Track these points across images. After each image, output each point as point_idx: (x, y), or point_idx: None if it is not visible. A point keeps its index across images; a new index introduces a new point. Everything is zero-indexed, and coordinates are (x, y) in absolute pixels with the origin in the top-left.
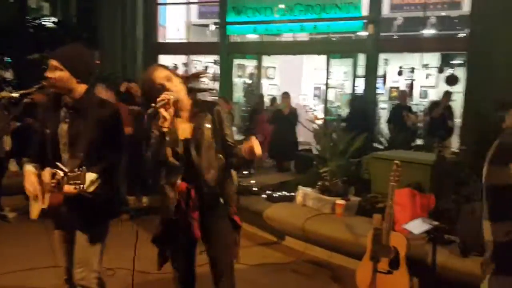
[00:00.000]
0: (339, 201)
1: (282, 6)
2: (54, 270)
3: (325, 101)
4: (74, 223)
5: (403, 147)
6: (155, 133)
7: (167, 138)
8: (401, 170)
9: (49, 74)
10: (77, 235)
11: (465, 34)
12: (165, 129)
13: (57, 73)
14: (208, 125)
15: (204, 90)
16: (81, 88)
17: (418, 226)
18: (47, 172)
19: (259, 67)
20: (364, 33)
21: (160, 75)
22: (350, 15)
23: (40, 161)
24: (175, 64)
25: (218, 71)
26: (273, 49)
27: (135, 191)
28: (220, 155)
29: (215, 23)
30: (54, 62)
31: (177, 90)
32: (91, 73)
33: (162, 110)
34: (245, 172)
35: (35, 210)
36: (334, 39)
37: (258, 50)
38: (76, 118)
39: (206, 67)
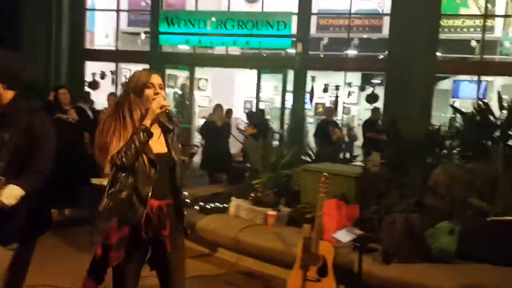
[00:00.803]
0: (271, 212)
1: (214, 19)
2: None
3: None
4: None
5: (329, 160)
6: (140, 137)
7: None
8: (329, 182)
9: None
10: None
11: (384, 56)
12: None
13: None
14: (176, 142)
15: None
16: (8, 94)
17: (345, 235)
18: None
19: (191, 78)
20: (293, 51)
21: (157, 81)
22: (281, 33)
23: None
24: (103, 72)
25: None
26: (206, 61)
27: (58, 204)
28: None
29: (146, 32)
30: None
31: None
32: (18, 79)
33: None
34: None
35: None
36: (265, 55)
37: (190, 61)
38: (1, 125)
39: None
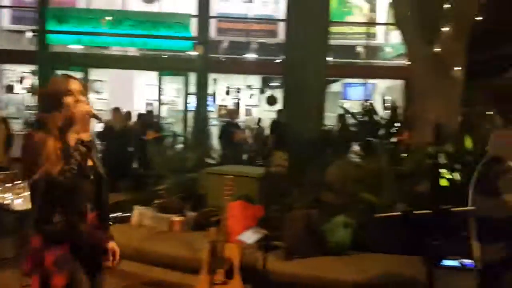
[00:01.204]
0: (176, 218)
1: (109, 18)
2: None
3: (158, 117)
4: None
5: (234, 162)
6: (80, 150)
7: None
8: (233, 184)
9: None
10: None
11: (280, 60)
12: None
13: None
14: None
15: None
16: None
17: (250, 236)
18: None
19: (85, 80)
20: (194, 53)
21: (76, 87)
22: (180, 35)
23: None
24: None
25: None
26: (101, 62)
27: None
28: None
29: (33, 30)
30: None
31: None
32: None
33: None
34: None
35: None
36: (165, 56)
37: (84, 62)
38: None
39: (22, 78)
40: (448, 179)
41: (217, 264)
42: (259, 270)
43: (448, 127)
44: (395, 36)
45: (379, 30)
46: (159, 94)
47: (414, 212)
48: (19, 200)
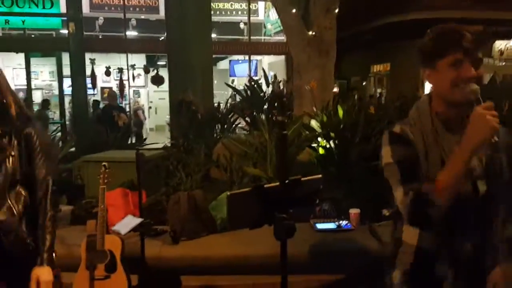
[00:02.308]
0: None
1: None
2: None
3: (31, 103)
4: None
5: (117, 147)
6: None
7: None
8: (111, 171)
9: None
10: None
11: (164, 38)
12: None
13: None
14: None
15: None
16: None
17: (125, 225)
18: None
19: None
20: (66, 31)
21: None
22: (48, 12)
23: None
24: None
25: None
26: None
27: None
28: None
29: None
30: None
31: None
32: None
33: None
34: None
35: None
36: (33, 36)
37: None
38: None
39: None
40: (324, 147)
41: (97, 259)
42: (141, 259)
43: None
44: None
45: (260, 7)
46: (28, 78)
47: (265, 186)
48: None
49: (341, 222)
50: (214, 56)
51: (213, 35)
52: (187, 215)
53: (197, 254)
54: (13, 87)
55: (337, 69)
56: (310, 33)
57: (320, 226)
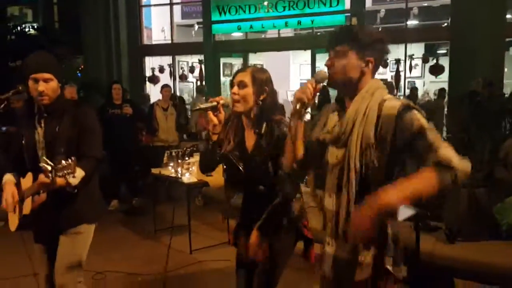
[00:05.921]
0: None
1: (265, 3)
2: (32, 279)
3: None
4: (55, 231)
5: None
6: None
7: None
8: None
9: (42, 87)
10: (60, 240)
11: (447, 23)
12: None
13: (51, 84)
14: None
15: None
16: (59, 90)
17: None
18: (27, 177)
19: (245, 64)
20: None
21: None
22: (334, 9)
23: (18, 169)
24: (161, 66)
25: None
26: (259, 46)
27: (119, 194)
28: None
29: (199, 23)
30: (47, 75)
31: None
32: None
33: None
34: None
35: (13, 222)
36: (318, 33)
37: (243, 48)
38: (50, 121)
39: (192, 67)
40: None
41: None
42: (415, 252)
43: None
44: None
45: None
46: (313, 73)
47: None
48: (187, 174)
49: None
50: (507, 39)
51: (508, 16)
52: (466, 214)
53: (476, 259)
54: (299, 81)
55: None
56: None
57: None
